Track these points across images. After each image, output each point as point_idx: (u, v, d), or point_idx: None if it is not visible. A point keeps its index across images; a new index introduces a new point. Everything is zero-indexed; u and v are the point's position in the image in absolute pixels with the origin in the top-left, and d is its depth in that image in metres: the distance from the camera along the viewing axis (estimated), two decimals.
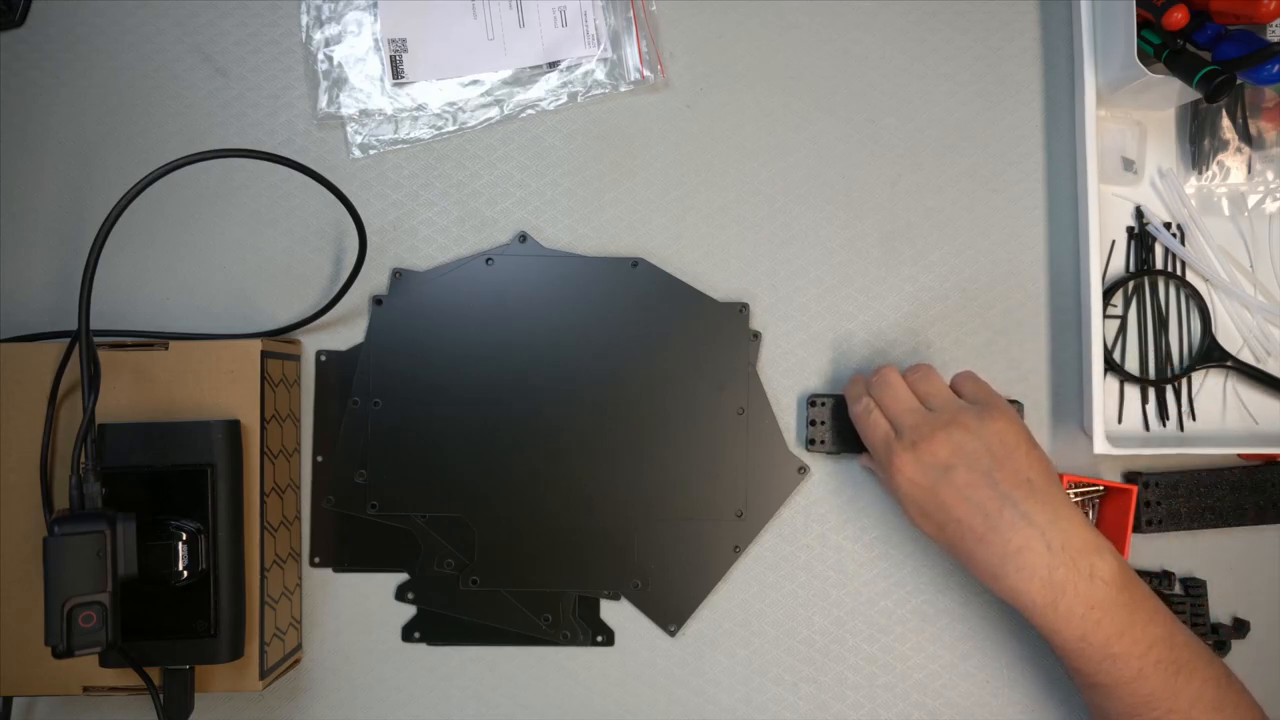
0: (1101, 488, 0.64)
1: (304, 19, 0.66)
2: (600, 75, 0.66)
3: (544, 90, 0.66)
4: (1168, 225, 0.66)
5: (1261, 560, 0.65)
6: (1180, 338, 0.66)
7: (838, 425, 0.63)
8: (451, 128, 0.66)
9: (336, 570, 0.64)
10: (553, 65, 0.66)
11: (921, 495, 0.55)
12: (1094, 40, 0.63)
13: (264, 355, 0.57)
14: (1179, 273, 0.66)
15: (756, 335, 0.65)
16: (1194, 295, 0.66)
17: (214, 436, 0.54)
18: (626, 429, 0.64)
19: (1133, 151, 0.66)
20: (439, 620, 0.63)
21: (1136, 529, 0.63)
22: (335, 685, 0.63)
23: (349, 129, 0.65)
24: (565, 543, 0.63)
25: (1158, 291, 0.66)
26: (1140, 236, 0.66)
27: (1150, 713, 0.52)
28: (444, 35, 0.65)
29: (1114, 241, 0.66)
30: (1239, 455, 0.65)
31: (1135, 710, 0.52)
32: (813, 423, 0.64)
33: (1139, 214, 0.66)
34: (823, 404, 0.64)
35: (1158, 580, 0.64)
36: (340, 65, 0.65)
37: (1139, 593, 0.53)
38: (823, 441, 0.63)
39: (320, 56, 0.66)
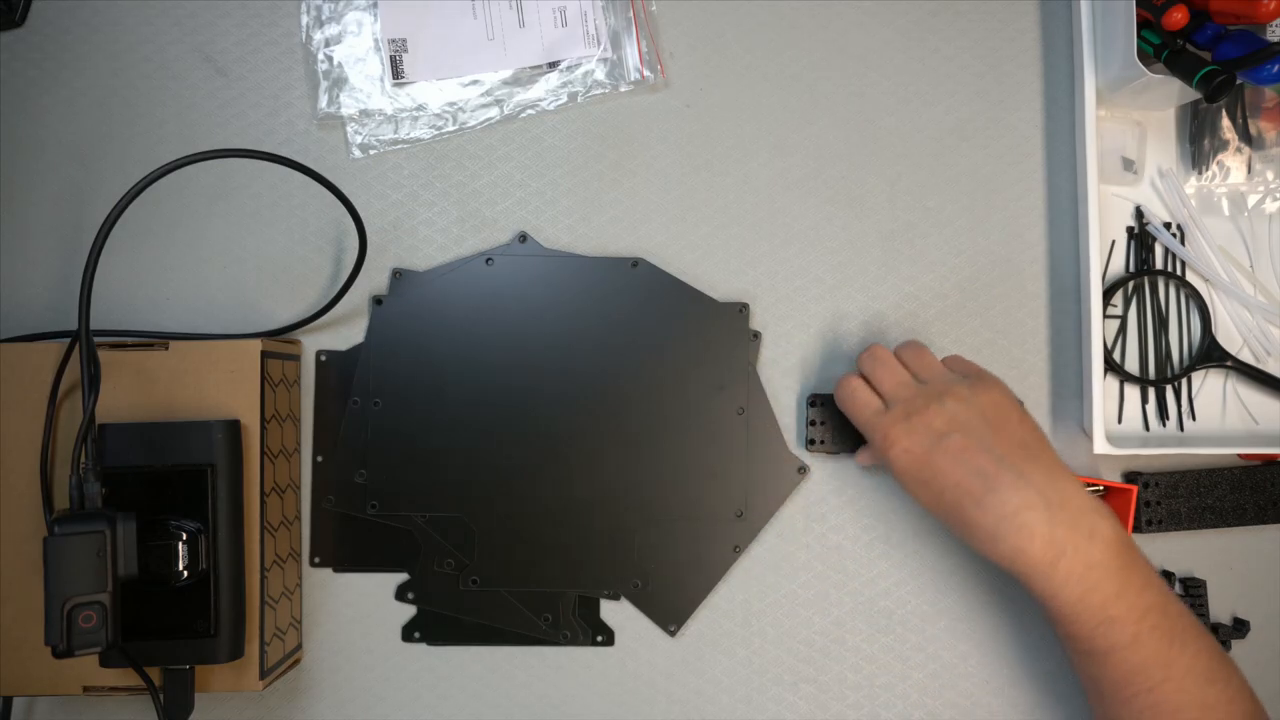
0: (1101, 488, 0.64)
1: (304, 19, 0.66)
2: (600, 75, 0.66)
3: (544, 90, 0.66)
4: (1168, 225, 0.66)
5: (1261, 560, 0.65)
6: (1180, 338, 0.66)
7: (837, 425, 0.63)
8: (451, 128, 0.66)
9: (336, 570, 0.64)
10: (553, 65, 0.66)
11: (916, 465, 0.55)
12: (1094, 40, 0.63)
13: (264, 355, 0.57)
14: (1179, 273, 0.66)
15: (756, 335, 0.65)
16: (1194, 295, 0.66)
17: (214, 436, 0.54)
18: (626, 429, 0.64)
19: (1133, 151, 0.66)
20: (439, 620, 0.63)
21: (1136, 529, 0.63)
22: (335, 685, 0.63)
23: (349, 129, 0.65)
24: (565, 542, 0.63)
25: (1158, 291, 0.66)
26: (1140, 236, 0.66)
27: (1144, 681, 0.51)
28: (444, 35, 0.65)
29: (1114, 241, 0.66)
30: (1239, 455, 0.65)
31: (1129, 679, 0.52)
32: (813, 423, 0.64)
33: (1139, 214, 0.66)
34: (823, 404, 0.64)
35: None
36: (340, 65, 0.65)
37: (1135, 556, 0.53)
38: (823, 441, 0.63)
39: (320, 56, 0.66)
